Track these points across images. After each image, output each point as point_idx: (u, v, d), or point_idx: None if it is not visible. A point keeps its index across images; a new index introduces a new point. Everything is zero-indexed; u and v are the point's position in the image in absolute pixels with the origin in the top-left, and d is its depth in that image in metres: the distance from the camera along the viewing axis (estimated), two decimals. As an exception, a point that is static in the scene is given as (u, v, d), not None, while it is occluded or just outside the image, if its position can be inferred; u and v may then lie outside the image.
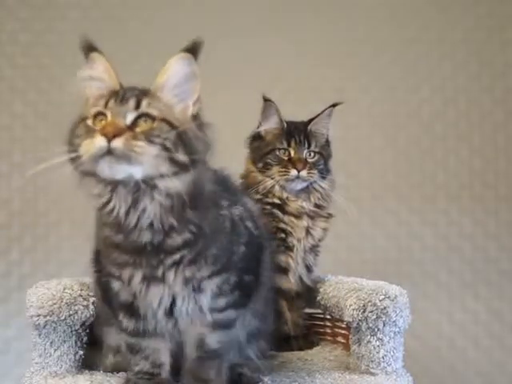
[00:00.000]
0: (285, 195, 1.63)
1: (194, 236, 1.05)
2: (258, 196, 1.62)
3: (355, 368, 1.37)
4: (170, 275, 1.07)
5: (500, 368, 2.49)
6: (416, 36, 2.58)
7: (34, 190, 2.49)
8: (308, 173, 1.63)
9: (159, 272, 1.06)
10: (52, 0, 2.54)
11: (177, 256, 1.05)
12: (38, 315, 1.30)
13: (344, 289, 1.45)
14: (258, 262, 1.25)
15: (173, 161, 0.97)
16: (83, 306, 1.34)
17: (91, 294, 1.35)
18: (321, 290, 1.60)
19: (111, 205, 1.00)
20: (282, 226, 1.63)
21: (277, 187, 1.63)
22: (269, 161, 1.65)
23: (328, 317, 1.68)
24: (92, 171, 0.97)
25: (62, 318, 1.31)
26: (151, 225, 1.01)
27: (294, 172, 1.61)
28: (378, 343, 1.34)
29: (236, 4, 2.53)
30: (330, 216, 1.70)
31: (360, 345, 1.36)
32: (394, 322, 1.33)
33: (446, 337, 2.50)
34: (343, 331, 1.60)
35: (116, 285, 1.13)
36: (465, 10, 2.60)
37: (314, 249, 1.68)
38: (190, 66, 1.04)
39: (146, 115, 0.99)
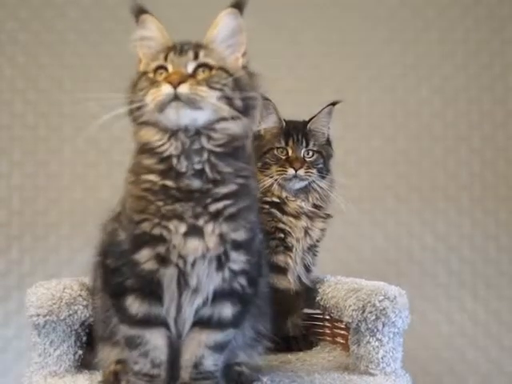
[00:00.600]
0: (284, 194, 1.63)
1: (239, 188, 1.09)
2: (258, 195, 1.62)
3: (354, 368, 1.38)
4: (209, 228, 1.07)
5: (498, 368, 2.50)
6: (415, 36, 2.59)
7: (34, 189, 2.49)
8: (306, 172, 1.62)
9: (199, 223, 1.06)
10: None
11: (220, 204, 1.07)
12: (38, 315, 1.30)
13: (343, 289, 1.46)
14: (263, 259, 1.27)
15: (231, 105, 1.05)
16: (83, 305, 1.34)
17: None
18: (320, 290, 1.60)
19: (167, 151, 1.05)
20: (281, 225, 1.63)
21: (275, 186, 1.62)
22: (267, 160, 1.65)
23: (327, 317, 1.69)
24: (153, 120, 1.05)
25: (62, 317, 1.31)
26: (202, 171, 1.06)
27: (291, 171, 1.61)
28: (377, 344, 1.34)
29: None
30: (328, 217, 1.69)
31: (359, 345, 1.37)
32: (393, 322, 1.33)
33: (444, 337, 2.50)
34: (342, 332, 1.60)
35: (143, 254, 1.08)
36: (464, 10, 2.60)
37: (312, 249, 1.68)
38: (237, 20, 1.12)
39: (205, 65, 1.07)
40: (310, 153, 1.66)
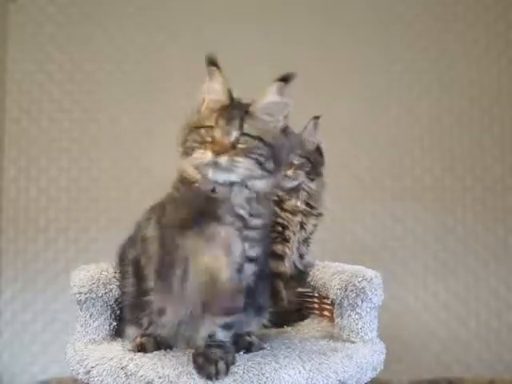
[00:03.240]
0: (280, 193, 1.61)
1: (263, 225, 1.13)
2: None
3: (338, 337, 1.36)
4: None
5: (455, 336, 2.50)
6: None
7: (78, 190, 2.49)
8: (293, 172, 1.59)
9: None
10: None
11: (253, 232, 1.11)
12: (80, 293, 1.30)
13: (329, 272, 1.44)
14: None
15: (263, 168, 1.06)
16: (116, 285, 1.33)
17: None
18: (310, 273, 1.59)
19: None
20: (280, 220, 1.61)
21: None
22: None
23: (316, 295, 1.67)
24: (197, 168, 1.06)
25: (99, 295, 1.31)
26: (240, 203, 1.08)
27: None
28: (357, 317, 1.33)
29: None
30: (319, 215, 1.68)
31: (342, 318, 1.35)
32: (370, 299, 1.32)
33: (411, 311, 2.50)
34: (328, 307, 1.59)
35: None
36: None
37: (306, 240, 1.66)
38: (283, 93, 1.10)
39: (247, 135, 1.06)
40: (297, 157, 1.61)
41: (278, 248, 1.60)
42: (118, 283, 1.34)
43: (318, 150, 1.69)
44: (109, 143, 2.51)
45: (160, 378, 1.07)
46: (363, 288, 1.32)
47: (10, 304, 2.44)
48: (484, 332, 2.50)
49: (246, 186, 1.07)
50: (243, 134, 1.06)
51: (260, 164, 1.06)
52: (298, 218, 1.62)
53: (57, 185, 2.50)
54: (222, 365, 1.05)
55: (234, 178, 1.05)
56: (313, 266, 1.61)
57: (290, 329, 1.52)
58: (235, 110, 1.09)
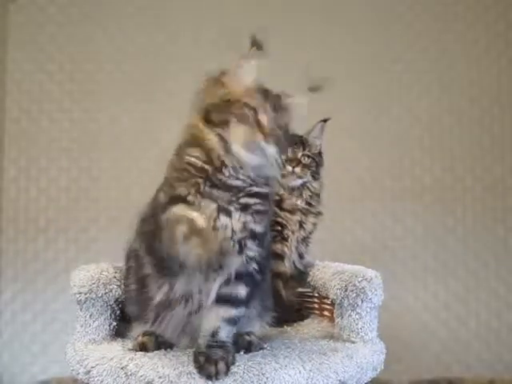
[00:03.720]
0: (281, 192, 1.61)
1: (266, 192, 1.12)
2: None
3: (338, 337, 1.36)
4: (236, 215, 1.08)
5: (455, 335, 2.49)
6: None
7: (78, 190, 2.49)
8: (302, 170, 1.60)
9: (230, 208, 1.08)
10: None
11: (251, 200, 1.10)
12: (80, 293, 1.30)
13: (329, 272, 1.45)
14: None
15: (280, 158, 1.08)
16: (117, 285, 1.33)
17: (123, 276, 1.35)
18: (310, 273, 1.59)
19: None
20: (279, 219, 1.61)
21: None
22: None
23: (316, 295, 1.67)
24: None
25: (100, 295, 1.31)
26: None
27: (288, 168, 1.58)
28: (357, 316, 1.33)
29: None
30: (319, 214, 1.68)
31: (342, 318, 1.36)
32: (370, 299, 1.32)
33: (411, 311, 2.50)
34: (328, 307, 1.59)
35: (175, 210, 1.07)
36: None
37: (305, 240, 1.66)
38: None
39: (279, 127, 1.10)
40: (306, 157, 1.63)
41: (277, 247, 1.60)
42: (121, 281, 1.34)
43: (320, 153, 1.69)
44: (109, 143, 2.51)
45: (160, 377, 1.07)
46: (363, 288, 1.32)
47: (10, 304, 2.44)
48: (484, 332, 2.50)
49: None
50: (277, 126, 1.08)
51: (280, 153, 1.07)
52: (297, 217, 1.62)
53: (57, 185, 2.50)
54: (222, 365, 1.06)
55: (261, 161, 1.05)
56: (313, 266, 1.61)
57: (289, 329, 1.52)
58: (274, 100, 1.12)
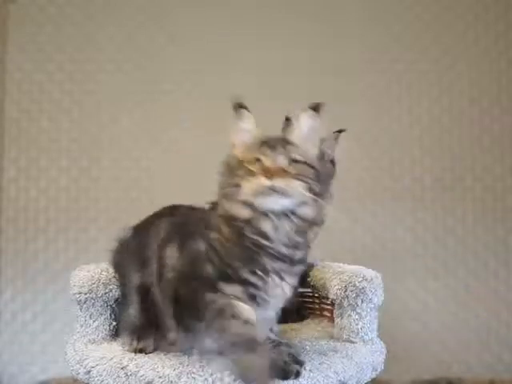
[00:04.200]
0: None
1: (306, 253, 1.18)
2: None
3: (338, 337, 1.37)
4: (288, 280, 1.13)
5: (456, 336, 2.49)
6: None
7: (78, 190, 2.49)
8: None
9: (285, 278, 1.12)
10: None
11: (300, 266, 1.16)
12: (80, 293, 1.30)
13: (329, 272, 1.45)
14: None
15: (314, 192, 1.06)
16: (116, 285, 1.34)
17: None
18: (310, 273, 1.59)
19: (261, 226, 1.07)
20: None
21: None
22: None
23: (316, 295, 1.68)
24: (249, 201, 1.04)
25: (99, 295, 1.31)
26: (285, 241, 1.09)
27: None
28: (357, 317, 1.33)
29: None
30: (322, 223, 1.66)
31: (342, 318, 1.36)
32: (370, 299, 1.33)
33: (412, 312, 2.49)
34: (328, 307, 1.59)
35: (232, 289, 1.10)
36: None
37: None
38: (315, 120, 1.14)
39: (293, 160, 1.07)
40: None
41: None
42: (117, 285, 1.34)
43: (332, 162, 1.68)
44: (109, 143, 2.51)
45: (160, 377, 1.07)
46: (363, 288, 1.32)
47: (10, 304, 2.44)
48: (484, 332, 2.49)
49: (294, 214, 1.07)
50: (290, 159, 1.07)
51: (310, 188, 1.06)
52: None
53: (57, 185, 2.50)
54: (295, 366, 1.10)
55: (288, 202, 1.04)
56: (313, 266, 1.61)
57: (289, 329, 1.52)
58: (274, 139, 1.11)
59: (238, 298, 1.09)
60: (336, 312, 1.38)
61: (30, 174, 2.49)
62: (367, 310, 1.33)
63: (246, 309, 1.08)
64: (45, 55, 2.51)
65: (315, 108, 1.13)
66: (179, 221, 1.28)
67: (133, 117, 2.51)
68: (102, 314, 1.33)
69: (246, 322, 1.06)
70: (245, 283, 1.09)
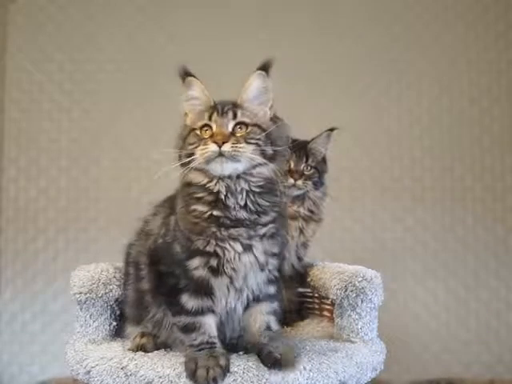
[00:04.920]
0: (284, 199, 1.60)
1: (276, 216, 1.15)
2: None
3: (338, 337, 1.36)
4: (259, 246, 1.13)
5: (455, 336, 2.49)
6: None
7: (77, 191, 2.49)
8: (303, 183, 1.59)
9: (252, 243, 1.12)
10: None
11: (266, 228, 1.13)
12: (80, 293, 1.30)
13: (329, 272, 1.45)
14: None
15: (263, 154, 1.09)
16: (116, 285, 1.34)
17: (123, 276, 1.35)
18: (310, 273, 1.59)
19: (216, 189, 1.10)
20: None
21: None
22: None
23: (316, 295, 1.68)
24: (202, 168, 1.09)
25: (99, 295, 1.31)
26: (245, 205, 1.10)
27: (290, 181, 1.57)
28: (356, 317, 1.33)
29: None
30: (320, 220, 1.67)
31: (342, 318, 1.36)
32: (370, 299, 1.33)
33: (411, 311, 2.49)
34: (328, 307, 1.59)
35: (195, 262, 1.11)
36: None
37: (304, 244, 1.66)
38: (265, 80, 1.13)
39: (242, 123, 1.10)
40: (309, 167, 1.62)
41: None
42: (120, 281, 1.34)
43: (324, 159, 1.68)
44: (109, 143, 2.51)
45: (160, 377, 1.07)
46: (363, 288, 1.32)
47: (10, 304, 2.44)
48: (484, 332, 2.49)
49: (251, 175, 1.10)
50: (239, 123, 1.10)
51: (261, 149, 1.08)
52: (298, 224, 1.62)
53: (56, 185, 2.50)
54: (291, 356, 1.11)
55: (240, 167, 1.08)
56: (312, 266, 1.61)
57: (290, 329, 1.52)
58: (223, 104, 1.13)
59: (202, 274, 1.11)
60: (336, 312, 1.38)
61: (29, 173, 2.49)
62: (367, 309, 1.33)
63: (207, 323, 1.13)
64: (45, 55, 2.51)
65: (264, 67, 1.12)
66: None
67: (133, 117, 2.51)
68: (101, 314, 1.33)
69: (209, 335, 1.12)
70: (203, 254, 1.10)
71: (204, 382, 1.04)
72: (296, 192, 1.60)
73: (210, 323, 1.14)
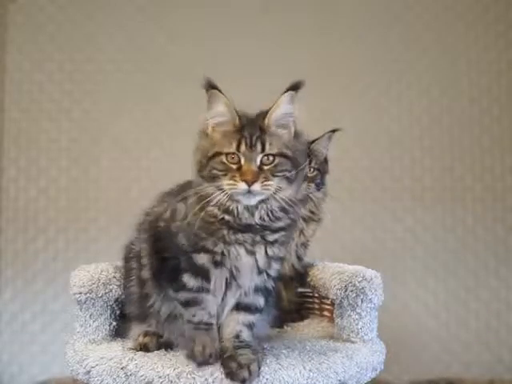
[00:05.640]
0: None
1: (288, 223, 1.15)
2: None
3: (338, 337, 1.37)
4: (262, 251, 1.13)
5: (455, 336, 2.49)
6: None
7: (77, 191, 2.49)
8: (307, 185, 1.58)
9: (255, 249, 1.13)
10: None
11: (276, 235, 1.13)
12: (80, 293, 1.30)
13: (329, 272, 1.44)
14: None
15: (288, 180, 1.08)
16: (116, 285, 1.34)
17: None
18: (310, 273, 1.59)
19: (232, 208, 1.09)
20: None
21: None
22: None
23: (316, 295, 1.68)
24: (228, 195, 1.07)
25: (99, 295, 1.31)
26: (260, 217, 1.11)
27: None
28: (356, 317, 1.33)
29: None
30: (320, 220, 1.67)
31: (342, 318, 1.36)
32: (370, 299, 1.33)
33: (411, 311, 2.49)
34: (328, 307, 1.59)
35: (202, 257, 1.12)
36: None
37: (304, 244, 1.66)
38: (293, 101, 1.10)
39: (270, 155, 1.07)
40: (312, 169, 1.60)
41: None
42: (120, 281, 1.34)
43: (325, 160, 1.68)
44: (109, 143, 2.51)
45: (160, 377, 1.07)
46: (363, 288, 1.32)
47: (10, 304, 2.44)
48: (484, 332, 2.50)
49: (274, 199, 1.09)
50: (266, 155, 1.07)
51: (287, 178, 1.08)
52: (298, 225, 1.61)
53: (56, 185, 2.50)
54: (255, 367, 1.08)
55: (265, 197, 1.07)
56: (312, 266, 1.61)
57: (289, 329, 1.52)
58: (250, 130, 1.08)
59: (206, 264, 1.12)
60: (336, 312, 1.38)
61: (29, 174, 2.49)
62: (367, 309, 1.33)
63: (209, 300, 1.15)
64: (45, 55, 2.51)
65: (294, 87, 1.09)
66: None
67: (133, 117, 2.51)
68: (101, 314, 1.33)
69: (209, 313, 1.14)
70: (209, 252, 1.12)
71: (200, 357, 1.08)
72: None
73: (210, 300, 1.15)
